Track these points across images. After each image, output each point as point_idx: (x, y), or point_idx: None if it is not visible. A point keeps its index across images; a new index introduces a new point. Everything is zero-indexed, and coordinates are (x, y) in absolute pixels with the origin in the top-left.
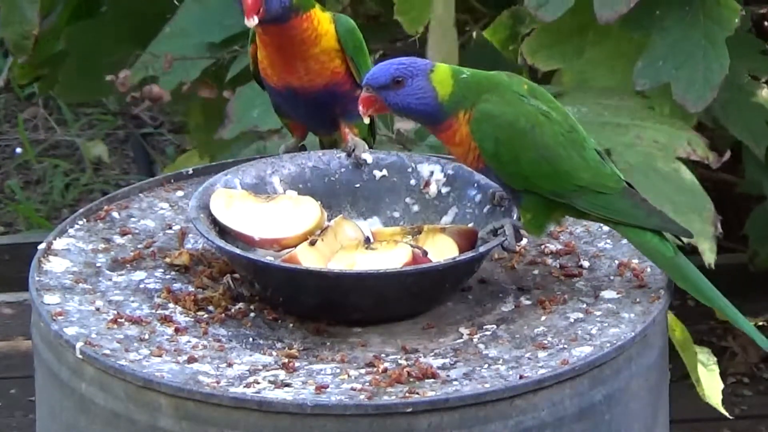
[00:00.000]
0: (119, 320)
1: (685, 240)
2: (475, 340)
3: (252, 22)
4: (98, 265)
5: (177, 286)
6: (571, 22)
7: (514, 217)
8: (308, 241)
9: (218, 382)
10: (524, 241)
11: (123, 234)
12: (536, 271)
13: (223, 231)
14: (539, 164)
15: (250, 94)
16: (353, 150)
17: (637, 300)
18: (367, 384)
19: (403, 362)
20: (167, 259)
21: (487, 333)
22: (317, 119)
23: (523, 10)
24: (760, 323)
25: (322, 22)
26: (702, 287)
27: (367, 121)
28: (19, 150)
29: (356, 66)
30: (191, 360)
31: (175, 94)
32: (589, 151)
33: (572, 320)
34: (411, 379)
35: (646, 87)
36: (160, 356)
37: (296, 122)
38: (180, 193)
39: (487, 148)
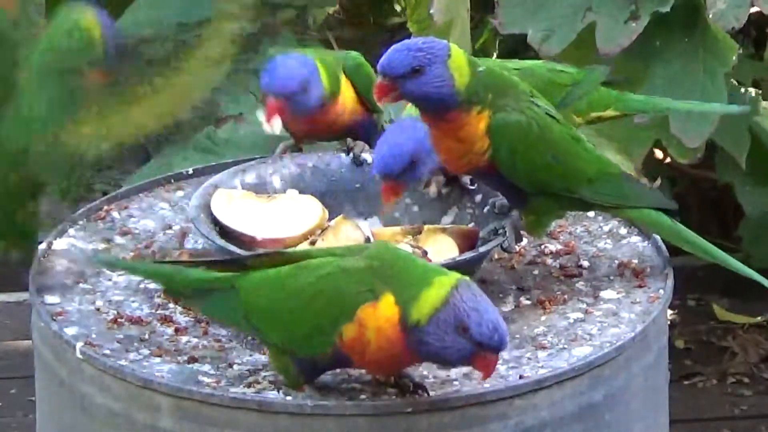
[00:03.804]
0: (119, 320)
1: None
2: None
3: (271, 126)
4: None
5: None
6: (574, 54)
7: (515, 218)
8: (308, 241)
9: (218, 382)
10: (524, 241)
11: (123, 234)
12: (536, 271)
13: (223, 231)
14: (553, 165)
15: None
16: (352, 148)
17: (637, 300)
18: (367, 384)
19: None
20: (167, 259)
21: None
22: (327, 137)
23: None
24: (761, 323)
25: (345, 92)
26: (704, 246)
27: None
28: None
29: (368, 98)
30: (191, 360)
31: None
32: (587, 143)
33: (572, 320)
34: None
35: (645, 119)
36: (160, 356)
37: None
38: (180, 193)
39: (503, 158)
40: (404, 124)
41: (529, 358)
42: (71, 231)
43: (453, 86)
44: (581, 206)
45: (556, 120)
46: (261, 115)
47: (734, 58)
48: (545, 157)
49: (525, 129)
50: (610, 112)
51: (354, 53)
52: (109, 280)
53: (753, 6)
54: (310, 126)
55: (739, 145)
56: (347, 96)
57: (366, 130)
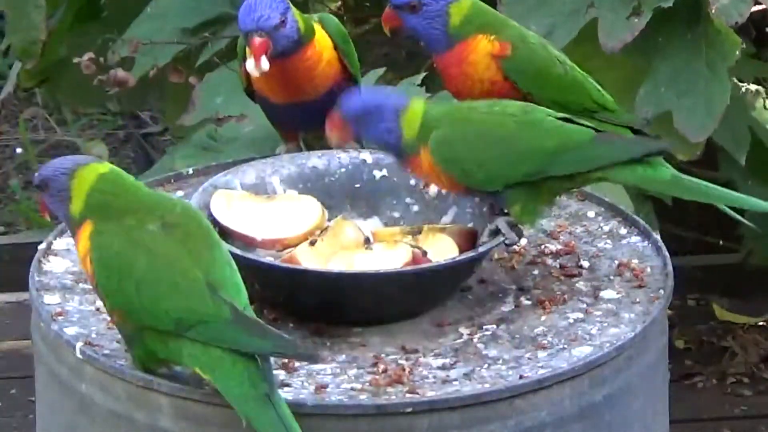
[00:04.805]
0: None
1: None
2: (475, 340)
3: (261, 69)
4: None
5: None
6: (576, 51)
7: (507, 215)
8: (308, 241)
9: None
10: (524, 241)
11: None
12: (536, 271)
13: (222, 232)
14: (502, 155)
15: (217, 80)
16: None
17: (637, 300)
18: (367, 384)
19: (403, 362)
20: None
21: (487, 333)
22: (315, 121)
23: None
24: (761, 323)
25: (321, 39)
26: (709, 192)
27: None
28: (19, 150)
29: (347, 58)
30: None
31: (145, 80)
32: (549, 121)
33: (572, 320)
34: (411, 379)
35: (648, 115)
36: None
37: (290, 130)
38: (180, 193)
39: (455, 171)
40: None
41: (529, 358)
42: None
43: (399, 138)
44: (561, 184)
45: (495, 112)
46: (254, 110)
47: (737, 52)
48: (489, 151)
49: (458, 135)
50: None
51: (327, 14)
52: None
53: (756, 4)
54: (288, 75)
55: (738, 143)
56: (323, 43)
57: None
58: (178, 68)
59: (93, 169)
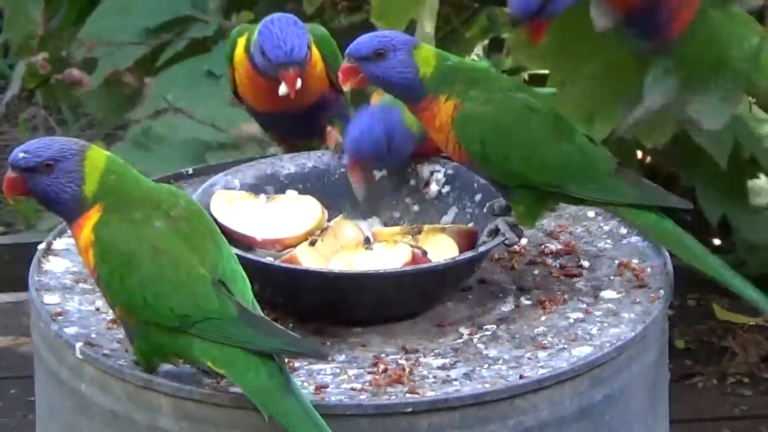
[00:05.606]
0: (119, 320)
1: None
2: (475, 340)
3: (294, 90)
4: None
5: None
6: (567, 33)
7: (507, 216)
8: (308, 241)
9: (218, 382)
10: (524, 241)
11: None
12: (536, 271)
13: (223, 232)
14: (529, 158)
15: (169, 78)
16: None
17: (637, 300)
18: (367, 384)
19: (403, 362)
20: None
21: (487, 333)
22: (301, 130)
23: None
24: (761, 323)
25: (315, 53)
26: (707, 260)
27: (347, 89)
28: None
29: (334, 71)
30: None
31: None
32: (578, 137)
33: (572, 320)
34: (411, 379)
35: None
36: None
37: (279, 135)
38: None
39: (474, 150)
40: (376, 109)
41: (529, 358)
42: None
43: (416, 73)
44: (570, 200)
45: (536, 111)
46: (204, 110)
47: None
48: (519, 150)
49: (492, 120)
50: None
51: (317, 25)
52: None
53: None
54: (275, 89)
55: (721, 145)
56: (317, 58)
57: (336, 107)
58: (132, 71)
59: (99, 151)
